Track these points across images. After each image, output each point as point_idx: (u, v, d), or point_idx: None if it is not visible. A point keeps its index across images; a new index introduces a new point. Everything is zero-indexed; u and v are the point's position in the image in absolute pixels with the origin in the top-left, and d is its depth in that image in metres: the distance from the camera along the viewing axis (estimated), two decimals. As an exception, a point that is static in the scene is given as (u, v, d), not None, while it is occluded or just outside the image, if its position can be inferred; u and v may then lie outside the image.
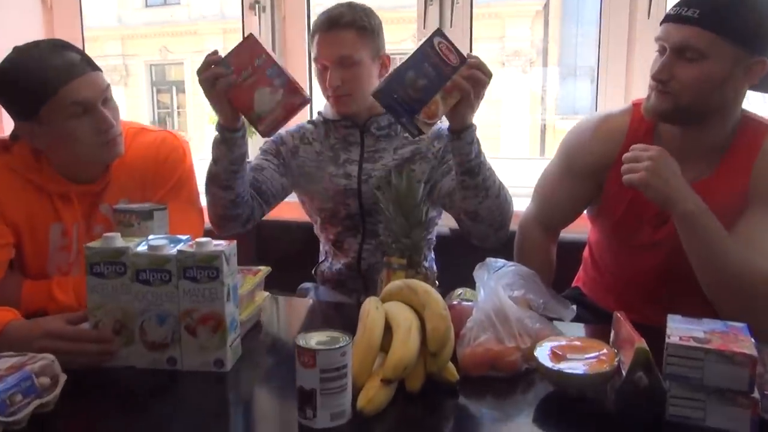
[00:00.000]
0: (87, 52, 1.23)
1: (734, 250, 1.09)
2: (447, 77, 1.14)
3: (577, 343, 0.93)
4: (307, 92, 1.25)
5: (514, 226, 1.40)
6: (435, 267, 1.53)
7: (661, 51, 1.16)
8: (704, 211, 1.08)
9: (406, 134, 1.41)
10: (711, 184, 1.18)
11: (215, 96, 1.21)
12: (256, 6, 2.30)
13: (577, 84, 8.76)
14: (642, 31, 1.96)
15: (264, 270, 1.21)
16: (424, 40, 1.15)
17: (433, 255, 1.55)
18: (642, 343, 0.81)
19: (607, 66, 2.02)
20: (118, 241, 0.97)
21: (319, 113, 1.55)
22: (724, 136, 1.20)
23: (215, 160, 1.30)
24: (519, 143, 8.47)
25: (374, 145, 1.47)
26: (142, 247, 0.96)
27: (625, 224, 1.29)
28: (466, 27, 2.14)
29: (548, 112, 8.95)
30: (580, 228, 1.47)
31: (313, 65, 1.46)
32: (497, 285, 1.02)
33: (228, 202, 1.33)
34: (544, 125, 9.04)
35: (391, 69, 1.43)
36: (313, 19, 2.38)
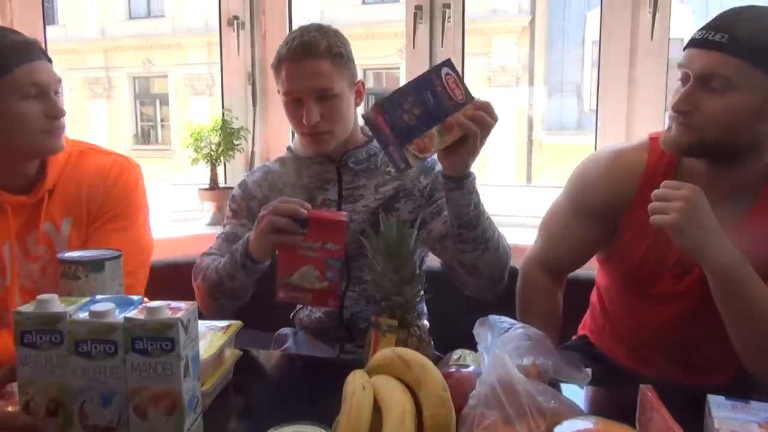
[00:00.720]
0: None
1: None
2: (448, 112, 1.03)
3: (598, 428, 0.79)
4: (336, 302, 1.15)
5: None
6: (425, 309, 1.39)
7: (684, 79, 1.03)
8: (743, 263, 0.95)
9: (390, 168, 1.27)
10: (741, 229, 1.05)
11: (267, 241, 1.11)
12: (235, 22, 2.17)
13: (563, 100, 8.75)
14: (645, 52, 1.85)
15: (235, 326, 1.06)
16: (431, 68, 1.06)
17: (424, 305, 1.39)
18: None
19: (606, 88, 1.91)
20: (54, 304, 0.81)
21: (289, 149, 1.39)
22: (757, 174, 1.06)
23: (230, 276, 1.20)
24: (506, 159, 8.40)
25: (353, 182, 1.31)
26: (83, 314, 0.81)
27: (642, 272, 1.15)
28: (458, 46, 2.02)
29: (535, 127, 8.92)
30: (588, 266, 1.33)
31: (281, 98, 1.29)
32: (503, 352, 0.88)
33: (230, 307, 1.25)
34: (531, 140, 9.00)
35: (364, 95, 1.35)
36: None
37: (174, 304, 0.83)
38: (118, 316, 0.80)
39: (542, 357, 0.94)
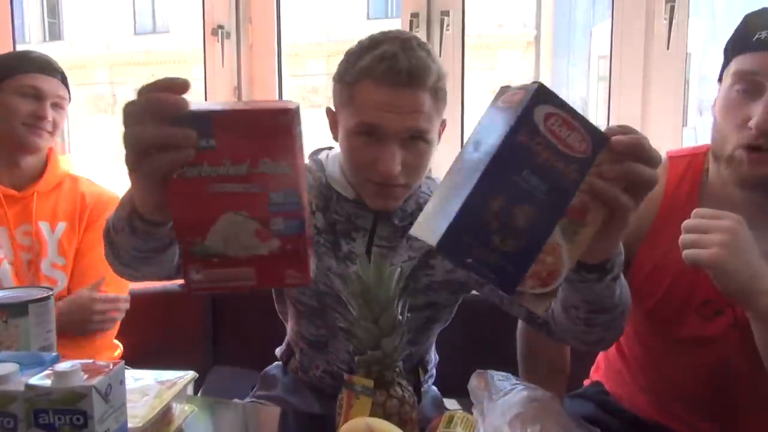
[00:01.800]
0: (74, 79, 1.41)
1: None
2: (572, 186, 0.58)
3: None
4: (307, 275, 0.62)
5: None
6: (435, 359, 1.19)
7: (752, 90, 0.85)
8: None
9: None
10: None
11: (147, 171, 0.59)
12: (219, 32, 2.03)
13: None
14: (660, 65, 1.70)
15: (186, 379, 0.90)
16: (507, 107, 0.60)
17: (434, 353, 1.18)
18: None
19: (619, 102, 1.76)
20: (-55, 365, 0.66)
21: (327, 178, 1.06)
22: None
23: (114, 228, 0.77)
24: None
25: (388, 239, 1.02)
26: (-20, 377, 0.65)
27: (665, 312, 0.98)
28: (457, 57, 1.88)
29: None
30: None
31: (342, 127, 0.97)
32: (502, 421, 0.72)
33: (131, 275, 0.88)
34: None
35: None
36: (285, 48, 2.12)
37: (98, 363, 0.67)
38: (20, 380, 0.64)
39: (549, 423, 0.78)
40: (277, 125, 0.56)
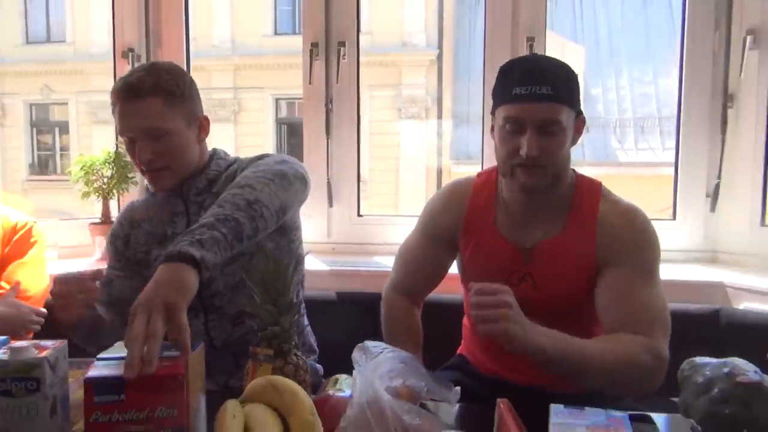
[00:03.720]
0: None
1: (588, 357, 1.07)
2: None
3: (458, 440, 0.86)
4: None
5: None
6: (313, 341, 1.43)
7: (516, 130, 1.17)
8: (558, 337, 1.06)
9: None
10: (561, 240, 1.23)
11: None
12: (130, 55, 2.15)
13: (469, 130, 9.13)
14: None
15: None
16: None
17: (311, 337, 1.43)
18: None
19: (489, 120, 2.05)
20: None
21: (147, 187, 1.40)
22: (565, 194, 1.25)
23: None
24: (417, 188, 8.63)
25: (199, 213, 1.27)
26: (-57, 356, 0.79)
27: (487, 281, 1.27)
28: (353, 82, 2.10)
29: (444, 156, 9.24)
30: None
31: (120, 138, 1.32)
32: (373, 375, 0.93)
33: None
34: (440, 169, 9.31)
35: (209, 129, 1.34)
36: (192, 73, 2.26)
37: (42, 343, 0.83)
38: (-21, 358, 0.79)
39: (413, 378, 1.00)
40: (171, 386, 0.77)
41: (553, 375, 1.11)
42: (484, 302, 1.01)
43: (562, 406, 0.84)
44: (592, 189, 1.27)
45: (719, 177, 1.91)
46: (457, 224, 1.33)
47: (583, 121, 1.24)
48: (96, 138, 10.05)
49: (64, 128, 11.15)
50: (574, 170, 1.29)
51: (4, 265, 1.57)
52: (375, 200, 8.31)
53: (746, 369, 0.86)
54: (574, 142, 1.23)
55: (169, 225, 1.33)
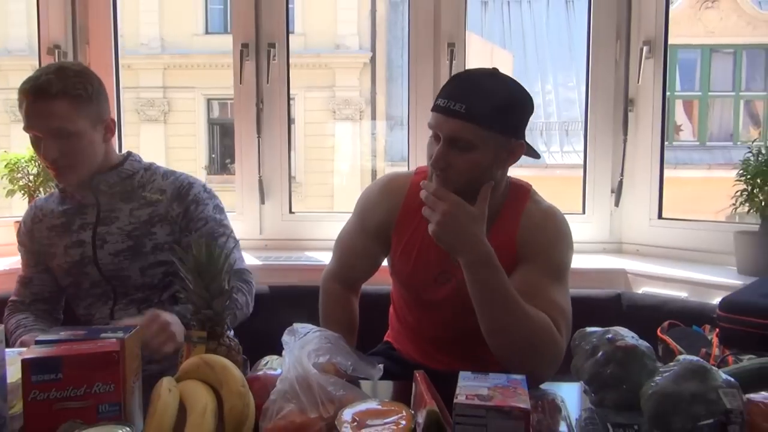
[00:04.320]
0: None
1: (515, 300, 1.14)
2: None
3: (378, 407, 0.94)
4: None
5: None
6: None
7: (436, 138, 1.22)
8: (487, 263, 1.14)
9: (145, 194, 1.43)
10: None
11: None
12: (56, 51, 2.13)
13: (403, 132, 9.32)
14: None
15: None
16: None
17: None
18: (432, 405, 0.85)
19: (416, 119, 2.16)
20: None
21: (56, 183, 1.51)
22: (495, 202, 1.26)
23: None
24: (353, 189, 8.71)
25: (109, 204, 1.42)
26: None
27: (414, 281, 1.36)
28: (283, 82, 2.16)
29: (379, 158, 9.38)
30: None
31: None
32: (302, 352, 1.01)
33: None
34: (375, 170, 9.44)
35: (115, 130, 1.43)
36: (122, 70, 2.26)
37: (-22, 328, 0.86)
38: None
39: (339, 356, 1.09)
40: (107, 361, 0.83)
41: (467, 359, 1.20)
42: (429, 201, 1.14)
43: (470, 372, 0.94)
44: (521, 192, 1.33)
45: (622, 174, 2.09)
46: (391, 221, 1.36)
47: (521, 147, 1.24)
48: (14, 137, 9.58)
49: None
50: (509, 178, 1.32)
51: None
52: (310, 202, 8.33)
53: (625, 335, 1.00)
54: (504, 164, 1.24)
55: (79, 215, 1.43)
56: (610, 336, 0.99)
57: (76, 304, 1.48)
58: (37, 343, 0.86)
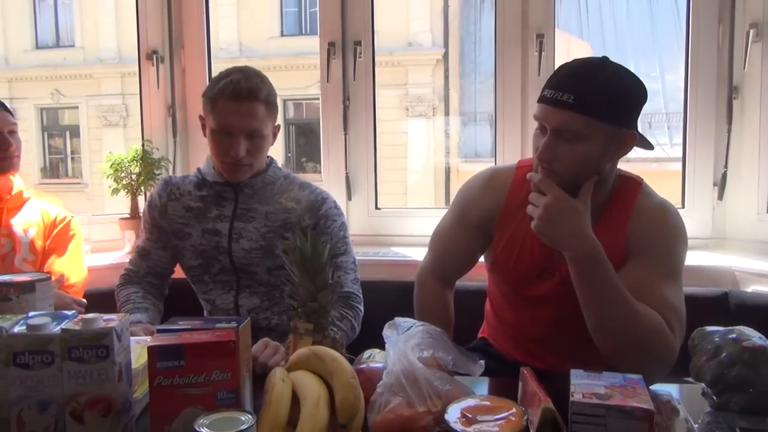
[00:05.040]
0: None
1: (623, 296, 1.10)
2: None
3: (487, 403, 0.93)
4: None
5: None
6: None
7: (542, 129, 1.19)
8: (593, 257, 1.11)
9: (281, 200, 1.50)
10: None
11: None
12: (154, 56, 2.23)
13: (477, 129, 9.20)
14: (533, 87, 2.08)
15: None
16: None
17: None
18: (548, 402, 0.83)
19: (503, 114, 2.13)
20: (-9, 321, 0.87)
21: (199, 170, 1.55)
22: (603, 196, 1.24)
23: None
24: (425, 185, 8.69)
25: (247, 204, 1.50)
26: (20, 327, 0.87)
27: (516, 276, 1.33)
28: (369, 79, 2.18)
29: (452, 155, 9.31)
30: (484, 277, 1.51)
31: (208, 127, 1.45)
32: (406, 346, 1.01)
33: None
34: (449, 168, 9.38)
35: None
36: (214, 73, 2.33)
37: (106, 316, 0.91)
38: (55, 329, 0.87)
39: (441, 351, 1.08)
40: (224, 350, 0.86)
41: (571, 357, 1.16)
42: (532, 199, 1.16)
43: (582, 370, 0.91)
44: (631, 185, 1.28)
45: (726, 166, 1.97)
46: (494, 216, 1.34)
47: (633, 137, 1.19)
48: (106, 141, 10.18)
49: (74, 132, 11.27)
50: (618, 170, 1.28)
51: (46, 257, 1.66)
52: (383, 199, 8.36)
53: (751, 335, 0.93)
54: (613, 155, 1.20)
55: (216, 206, 1.50)
56: (734, 336, 0.93)
57: (199, 287, 1.54)
58: (159, 332, 0.90)
